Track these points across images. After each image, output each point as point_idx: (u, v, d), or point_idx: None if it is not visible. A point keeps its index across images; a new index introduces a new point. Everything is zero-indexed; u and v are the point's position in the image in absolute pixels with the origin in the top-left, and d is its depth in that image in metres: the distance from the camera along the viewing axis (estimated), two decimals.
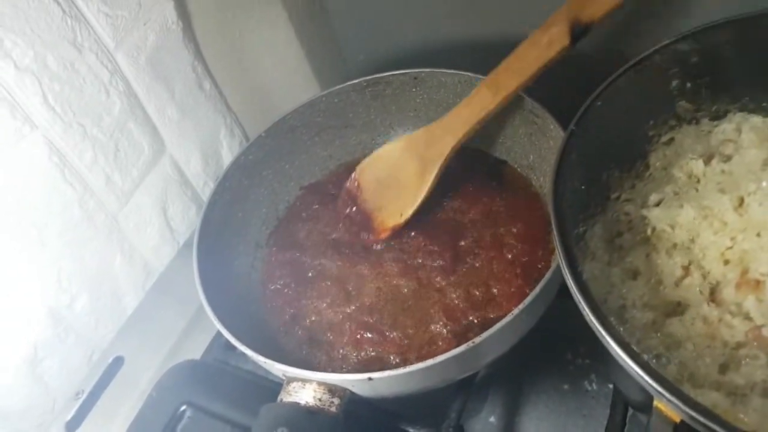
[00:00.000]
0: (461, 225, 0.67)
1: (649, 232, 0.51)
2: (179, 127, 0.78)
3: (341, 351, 0.61)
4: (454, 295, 0.61)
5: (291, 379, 0.53)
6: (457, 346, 0.49)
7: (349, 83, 0.74)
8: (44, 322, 0.65)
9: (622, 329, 0.46)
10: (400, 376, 0.50)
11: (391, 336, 0.60)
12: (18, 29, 0.57)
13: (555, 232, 0.45)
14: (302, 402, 0.51)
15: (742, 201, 0.49)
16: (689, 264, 0.49)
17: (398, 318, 0.61)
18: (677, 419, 0.38)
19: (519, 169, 0.72)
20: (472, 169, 0.72)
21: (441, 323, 0.59)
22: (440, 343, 0.58)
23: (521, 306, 0.50)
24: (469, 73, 0.69)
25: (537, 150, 0.68)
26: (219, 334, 0.59)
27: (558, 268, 0.50)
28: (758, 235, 0.47)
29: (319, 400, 0.51)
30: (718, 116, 0.56)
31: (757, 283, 0.45)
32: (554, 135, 0.62)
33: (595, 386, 0.62)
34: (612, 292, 0.49)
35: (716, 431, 0.34)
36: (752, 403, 0.41)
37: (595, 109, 0.51)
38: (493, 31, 0.72)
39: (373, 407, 0.58)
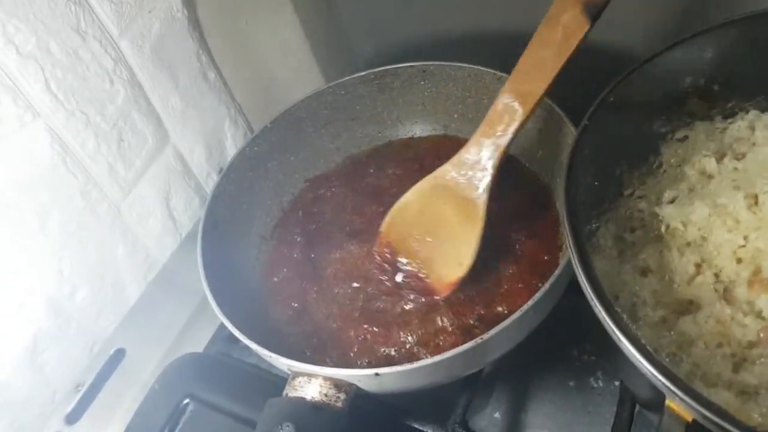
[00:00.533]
0: None
1: (663, 229, 0.51)
2: (183, 117, 0.77)
3: (347, 346, 0.60)
4: (461, 291, 0.60)
5: (296, 374, 0.52)
6: (464, 342, 0.49)
7: (356, 75, 0.74)
8: (45, 313, 0.65)
9: (634, 327, 0.46)
10: (408, 372, 0.49)
11: (398, 331, 0.59)
12: (21, 14, 0.56)
13: (567, 228, 0.44)
14: (308, 397, 0.50)
15: (756, 199, 0.48)
16: (702, 262, 0.48)
17: (405, 313, 0.61)
18: (689, 418, 0.37)
19: (527, 164, 0.71)
20: None
21: (448, 319, 0.59)
22: (447, 339, 0.58)
23: (530, 302, 0.49)
24: (478, 67, 0.68)
25: (546, 145, 0.67)
26: (222, 326, 0.59)
27: (568, 264, 0.50)
28: None
29: (325, 395, 0.50)
30: (731, 114, 0.56)
31: None
32: (564, 130, 0.62)
33: (601, 383, 0.61)
34: (624, 290, 0.49)
35: (729, 430, 0.33)
36: (765, 402, 0.41)
37: (608, 104, 0.50)
38: (503, 24, 0.72)
39: (379, 402, 0.58)
